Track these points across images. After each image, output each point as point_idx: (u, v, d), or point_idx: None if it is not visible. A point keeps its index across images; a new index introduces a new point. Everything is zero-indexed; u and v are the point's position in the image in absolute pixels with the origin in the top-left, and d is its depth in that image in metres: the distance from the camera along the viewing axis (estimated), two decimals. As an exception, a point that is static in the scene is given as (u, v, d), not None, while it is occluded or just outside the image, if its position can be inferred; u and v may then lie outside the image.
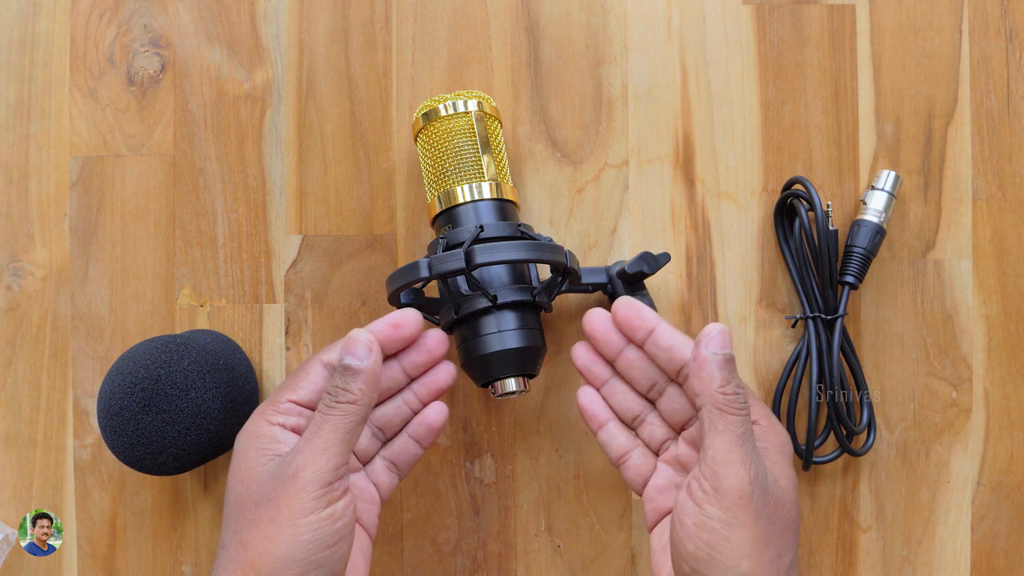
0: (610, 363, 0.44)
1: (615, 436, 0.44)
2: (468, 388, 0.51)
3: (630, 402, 0.44)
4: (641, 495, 0.43)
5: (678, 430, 0.43)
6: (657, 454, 0.44)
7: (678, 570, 0.37)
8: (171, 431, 0.42)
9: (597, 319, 0.43)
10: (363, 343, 0.39)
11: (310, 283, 0.51)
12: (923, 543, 0.50)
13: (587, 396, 0.44)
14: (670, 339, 0.41)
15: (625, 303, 0.42)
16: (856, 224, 0.49)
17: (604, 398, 0.44)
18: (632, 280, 0.47)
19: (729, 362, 0.38)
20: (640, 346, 0.42)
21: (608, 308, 0.50)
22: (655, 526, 0.42)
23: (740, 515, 0.36)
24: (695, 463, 0.41)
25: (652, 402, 0.44)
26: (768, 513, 0.36)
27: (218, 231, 0.51)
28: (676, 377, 0.42)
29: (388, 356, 0.42)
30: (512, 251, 0.41)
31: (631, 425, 0.44)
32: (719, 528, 0.36)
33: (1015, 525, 0.50)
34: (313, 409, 0.40)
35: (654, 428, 0.43)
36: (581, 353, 0.44)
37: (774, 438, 0.40)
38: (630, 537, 0.50)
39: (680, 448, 0.42)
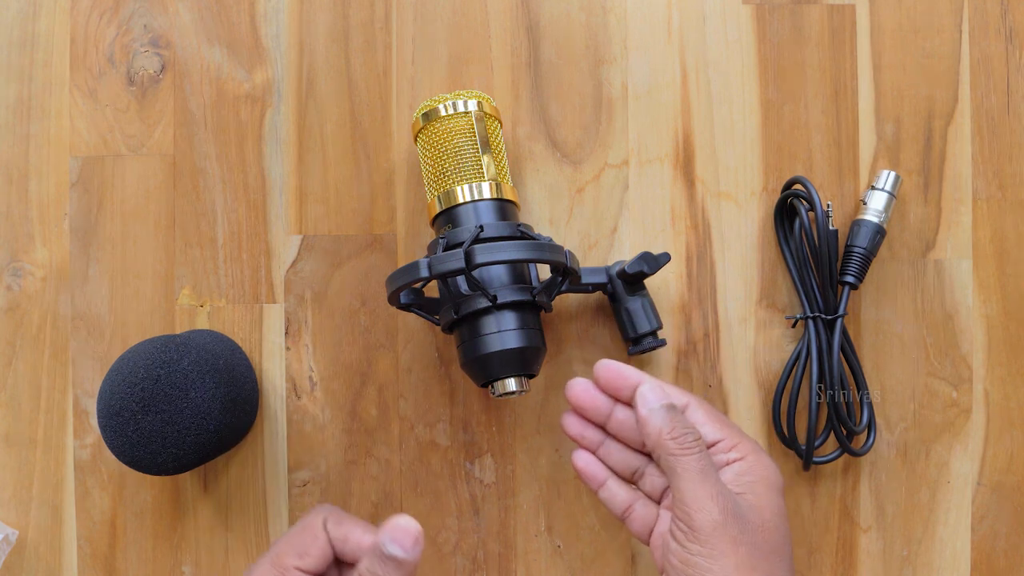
0: (601, 427, 0.44)
1: (616, 493, 0.44)
2: (468, 388, 0.51)
3: (628, 459, 0.44)
4: (647, 544, 0.43)
5: None
6: (658, 502, 0.43)
7: None
8: (171, 431, 0.42)
9: (580, 390, 0.43)
10: (412, 534, 0.37)
11: (310, 283, 0.51)
12: (923, 543, 0.50)
13: (583, 459, 0.44)
14: (654, 396, 0.41)
15: (604, 367, 0.42)
16: (856, 224, 0.49)
17: (601, 458, 0.44)
18: (632, 280, 0.47)
19: (668, 410, 0.40)
20: (628, 404, 0.42)
21: (609, 308, 0.50)
22: (665, 569, 0.42)
23: (718, 545, 0.37)
24: None
25: (650, 459, 0.43)
26: (748, 539, 0.38)
27: (218, 231, 0.51)
28: None
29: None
30: (512, 251, 0.41)
31: (631, 479, 0.44)
32: (701, 562, 0.38)
33: (1015, 525, 0.50)
34: None
35: (654, 479, 0.43)
36: (572, 423, 0.44)
37: (760, 471, 0.40)
38: (630, 537, 0.50)
39: None
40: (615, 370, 0.42)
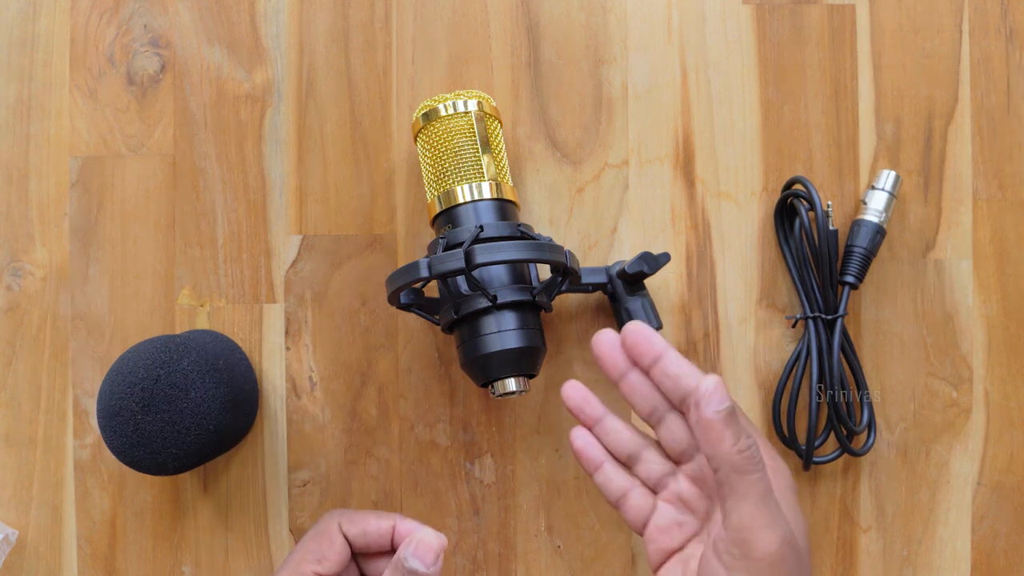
0: (614, 383, 0.42)
1: (612, 478, 0.42)
2: (468, 388, 0.51)
3: (625, 441, 0.42)
4: (641, 533, 0.42)
5: (677, 462, 0.42)
6: (655, 491, 0.42)
7: None
8: (171, 431, 0.42)
9: (607, 340, 0.41)
10: (434, 550, 0.38)
11: (310, 283, 0.51)
12: (923, 543, 0.50)
13: (582, 439, 0.43)
14: (677, 367, 0.39)
15: (635, 327, 0.41)
16: (856, 224, 0.49)
17: (598, 436, 0.43)
18: (632, 280, 0.47)
19: (734, 416, 0.36)
20: (645, 371, 0.41)
21: (609, 308, 0.50)
22: (660, 567, 0.41)
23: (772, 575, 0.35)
24: (698, 500, 0.41)
25: (652, 429, 0.42)
26: (796, 571, 0.36)
27: (218, 231, 0.51)
28: (679, 405, 0.40)
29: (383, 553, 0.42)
30: (512, 251, 0.41)
31: (627, 463, 0.43)
32: None
33: (1015, 525, 0.50)
34: None
35: (651, 465, 0.42)
36: (572, 393, 0.43)
37: (779, 480, 0.39)
38: (630, 537, 0.50)
39: (681, 484, 0.41)
40: (645, 333, 0.40)
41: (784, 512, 0.36)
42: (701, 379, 0.36)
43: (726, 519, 0.36)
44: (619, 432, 0.42)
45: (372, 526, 0.41)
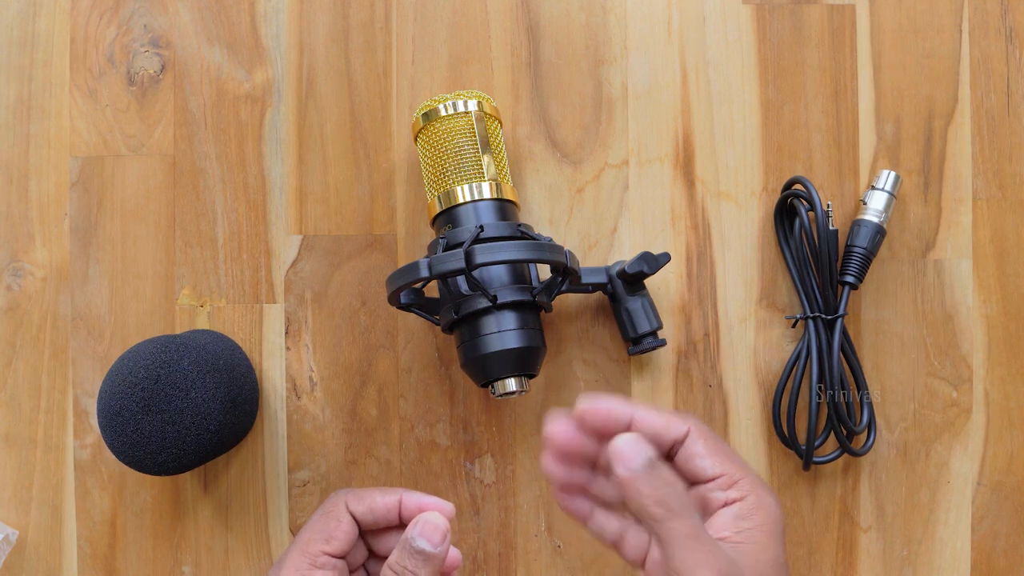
0: (590, 463, 0.40)
1: (604, 524, 0.40)
2: (468, 388, 0.51)
3: (614, 492, 0.40)
4: (643, 569, 0.40)
5: None
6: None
7: None
8: (171, 431, 0.42)
9: (560, 434, 0.38)
10: (441, 530, 0.38)
11: (310, 283, 0.51)
12: (923, 543, 0.50)
13: (567, 501, 0.40)
14: (651, 425, 0.38)
15: (590, 408, 0.38)
16: (856, 224, 0.49)
17: (594, 493, 0.41)
18: (632, 280, 0.47)
19: (649, 469, 0.35)
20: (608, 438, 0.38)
21: (609, 308, 0.50)
22: None
23: None
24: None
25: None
26: None
27: (218, 231, 0.51)
28: (665, 455, 0.39)
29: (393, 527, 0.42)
30: (512, 251, 0.41)
31: (619, 509, 0.41)
32: None
33: (1015, 525, 0.50)
34: (344, 559, 0.40)
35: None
36: (555, 466, 0.39)
37: (760, 517, 0.37)
38: (630, 537, 0.50)
39: None
40: (603, 411, 0.38)
41: (727, 551, 0.36)
42: (617, 437, 0.36)
43: (665, 565, 0.36)
44: (605, 486, 0.40)
45: (378, 502, 0.41)
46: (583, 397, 0.38)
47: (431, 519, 0.38)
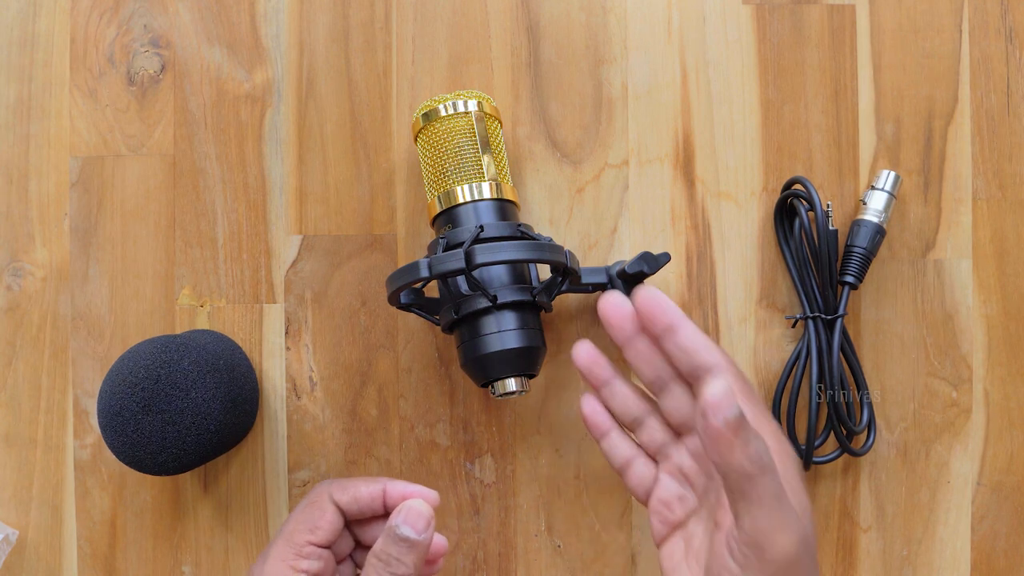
0: (620, 346, 0.42)
1: (617, 445, 0.43)
2: (468, 388, 0.51)
3: (630, 405, 0.43)
4: (645, 503, 0.43)
5: (677, 432, 0.43)
6: (657, 459, 0.43)
7: None
8: (171, 431, 0.42)
9: (615, 304, 0.41)
10: (424, 517, 0.39)
11: (310, 283, 0.51)
12: (923, 543, 0.50)
13: (590, 405, 0.44)
14: (692, 341, 0.39)
15: (647, 294, 0.40)
16: (856, 224, 0.49)
17: (604, 399, 0.44)
18: (632, 280, 0.47)
19: (741, 421, 0.33)
20: (655, 339, 0.41)
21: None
22: (664, 541, 0.41)
23: None
24: (697, 475, 0.41)
25: (654, 397, 0.43)
26: (809, 567, 0.35)
27: (218, 231, 0.51)
28: (687, 377, 0.40)
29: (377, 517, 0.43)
30: (512, 251, 0.41)
31: (631, 427, 0.44)
32: None
33: (1015, 525, 0.50)
34: (330, 548, 0.41)
35: (653, 432, 0.43)
36: (583, 353, 0.43)
37: (785, 461, 0.37)
38: (630, 537, 0.50)
39: (683, 459, 0.42)
40: (658, 301, 0.40)
41: (792, 501, 0.35)
42: (707, 384, 0.33)
43: (739, 520, 0.34)
44: (625, 396, 0.43)
45: (362, 492, 0.41)
46: (646, 289, 0.40)
47: (415, 506, 0.39)
